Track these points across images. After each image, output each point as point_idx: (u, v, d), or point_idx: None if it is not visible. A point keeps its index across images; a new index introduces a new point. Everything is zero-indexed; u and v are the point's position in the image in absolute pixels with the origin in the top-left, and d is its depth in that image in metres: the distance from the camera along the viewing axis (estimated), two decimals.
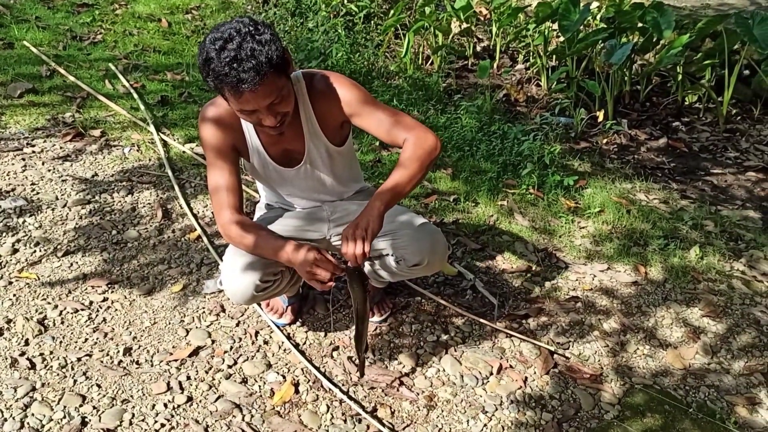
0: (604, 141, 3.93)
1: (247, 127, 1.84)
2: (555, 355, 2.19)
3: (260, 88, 1.56)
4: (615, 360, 2.20)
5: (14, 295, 2.24)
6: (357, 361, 1.99)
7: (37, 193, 2.78)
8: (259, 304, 2.30)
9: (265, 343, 2.16)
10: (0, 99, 3.45)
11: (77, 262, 2.43)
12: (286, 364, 2.08)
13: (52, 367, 1.98)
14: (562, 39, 4.56)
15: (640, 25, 4.22)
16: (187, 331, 2.18)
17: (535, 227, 2.91)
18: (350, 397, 1.97)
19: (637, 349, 2.26)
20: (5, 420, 1.79)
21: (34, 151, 3.06)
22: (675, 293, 2.56)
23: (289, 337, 2.19)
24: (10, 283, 2.29)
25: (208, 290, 2.37)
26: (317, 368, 2.07)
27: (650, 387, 2.09)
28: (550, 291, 2.52)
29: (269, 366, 2.07)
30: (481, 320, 2.31)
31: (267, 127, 1.68)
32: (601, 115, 3.95)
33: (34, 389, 1.90)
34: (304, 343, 2.18)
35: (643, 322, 2.39)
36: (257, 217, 2.13)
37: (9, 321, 2.12)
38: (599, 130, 3.99)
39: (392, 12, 4.83)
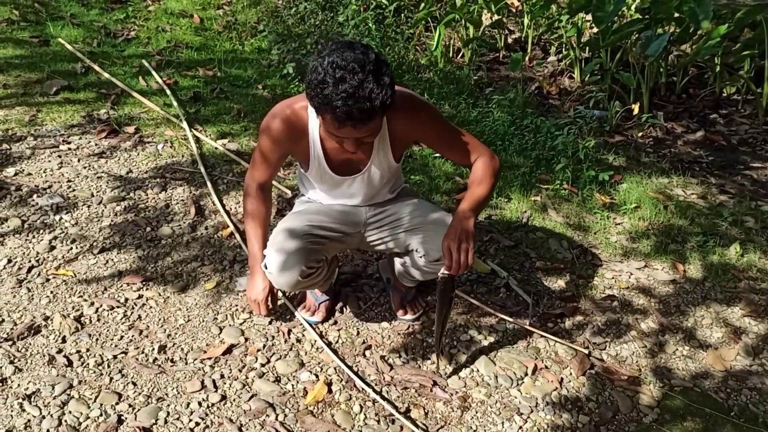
0: (640, 134, 3.85)
1: (313, 138, 1.87)
2: (591, 356, 2.15)
3: (364, 128, 1.61)
4: (653, 361, 2.16)
5: (51, 292, 2.27)
6: (437, 363, 2.09)
7: (73, 190, 2.81)
8: (292, 301, 2.30)
9: (298, 341, 2.16)
10: (36, 96, 3.49)
11: (113, 259, 2.45)
12: (319, 363, 2.07)
13: (88, 364, 2.00)
14: (595, 30, 4.47)
15: (676, 15, 4.12)
16: (221, 329, 2.19)
17: (569, 224, 2.87)
18: (383, 397, 1.96)
19: (676, 350, 2.22)
20: (43, 417, 1.81)
21: (69, 148, 3.10)
22: (715, 292, 2.50)
23: (321, 336, 2.18)
24: (48, 280, 2.32)
25: (241, 287, 2.38)
26: (350, 368, 2.06)
27: (690, 389, 2.05)
28: (585, 289, 2.48)
29: (302, 365, 2.07)
30: (516, 321, 2.28)
31: (345, 148, 1.75)
32: (636, 107, 3.87)
33: (71, 387, 1.92)
34: (337, 342, 2.18)
35: (682, 322, 2.34)
36: (297, 209, 2.15)
37: (47, 318, 2.15)
38: (634, 123, 3.91)
39: (422, 5, 4.79)
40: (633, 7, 4.55)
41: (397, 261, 2.20)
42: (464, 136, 1.93)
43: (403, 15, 4.99)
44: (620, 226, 2.89)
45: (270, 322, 2.22)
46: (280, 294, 2.23)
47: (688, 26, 4.07)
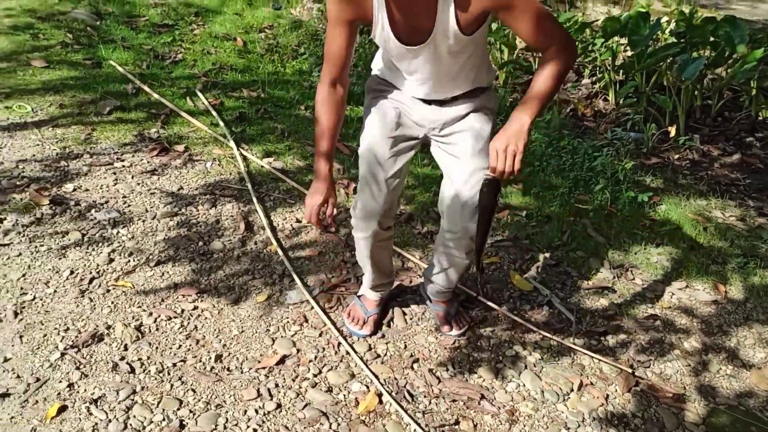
0: (676, 156, 3.89)
1: (378, 2, 1.78)
2: (635, 374, 2.19)
3: None
4: (697, 379, 2.19)
5: (112, 302, 2.37)
6: (476, 273, 2.04)
7: (129, 206, 2.93)
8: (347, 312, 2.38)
9: (348, 353, 2.23)
10: (91, 116, 3.64)
11: (168, 272, 2.55)
12: (368, 376, 2.14)
13: (150, 371, 2.09)
14: (629, 53, 4.53)
15: (712, 39, 4.17)
16: (273, 340, 2.26)
17: (609, 243, 2.92)
18: (422, 413, 2.02)
19: (720, 368, 2.25)
20: (110, 421, 1.90)
21: (123, 165, 3.22)
22: (756, 313, 2.53)
23: (370, 348, 2.25)
24: (108, 291, 2.42)
25: (291, 301, 2.46)
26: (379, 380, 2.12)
27: (735, 408, 2.08)
28: (627, 308, 2.52)
29: (353, 376, 2.14)
30: (559, 338, 2.33)
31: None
32: (673, 130, 3.92)
33: (134, 392, 2.01)
34: (385, 355, 2.25)
35: (725, 342, 2.37)
36: (375, 73, 2.08)
37: (109, 327, 2.25)
38: (671, 145, 3.95)
39: None
40: (668, 31, 4.61)
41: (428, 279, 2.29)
42: (546, 17, 1.69)
43: None
44: (660, 246, 2.93)
45: (319, 293, 2.30)
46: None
47: (724, 50, 4.12)
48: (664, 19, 4.66)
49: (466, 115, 1.98)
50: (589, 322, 2.44)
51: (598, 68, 4.81)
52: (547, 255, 2.83)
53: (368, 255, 2.20)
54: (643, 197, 3.18)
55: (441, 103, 1.97)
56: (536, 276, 2.69)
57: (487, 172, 1.73)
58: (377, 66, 2.07)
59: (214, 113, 3.76)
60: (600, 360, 2.24)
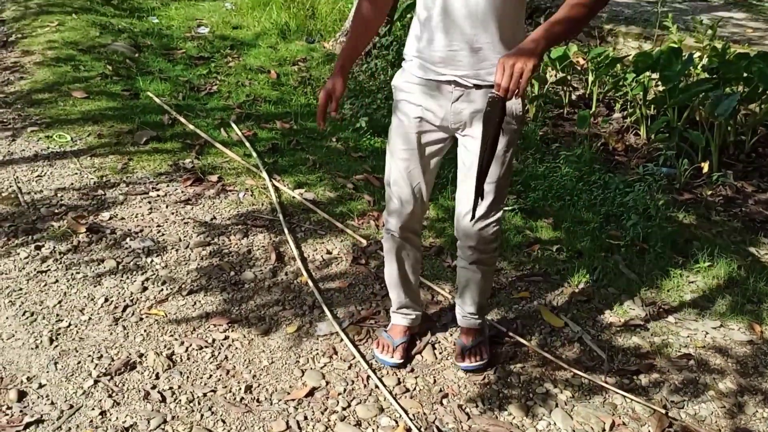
0: (709, 193, 3.85)
1: None
2: (669, 415, 2.15)
3: None
4: (733, 422, 2.14)
5: (145, 330, 2.40)
6: (473, 204, 1.89)
7: (163, 235, 2.98)
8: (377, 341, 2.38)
9: (377, 387, 2.22)
10: (128, 146, 3.73)
11: (200, 301, 2.59)
12: (396, 410, 2.13)
13: (180, 401, 2.11)
14: (661, 88, 4.52)
15: (745, 75, 4.15)
16: (303, 372, 2.27)
17: (642, 280, 2.88)
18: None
19: (756, 411, 2.20)
20: None
21: (158, 195, 3.29)
22: None
23: (399, 382, 2.25)
24: (141, 319, 2.46)
25: (321, 332, 2.47)
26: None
27: None
28: (660, 347, 2.48)
29: (381, 410, 2.13)
30: (591, 376, 2.30)
31: None
32: (705, 166, 3.88)
33: (165, 422, 2.02)
34: (414, 389, 2.24)
35: (761, 384, 2.32)
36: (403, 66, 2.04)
37: (141, 355, 2.28)
38: (703, 181, 3.91)
39: None
40: (700, 66, 4.59)
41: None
42: None
43: None
44: (694, 284, 2.89)
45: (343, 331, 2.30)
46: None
47: (757, 86, 4.09)
48: (697, 54, 4.65)
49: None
50: (621, 360, 2.41)
51: (629, 103, 4.81)
52: (578, 291, 2.80)
53: (395, 260, 2.24)
54: (676, 234, 3.14)
55: (463, 89, 1.90)
56: (567, 312, 2.66)
57: (493, 90, 1.63)
58: (408, 49, 2.00)
59: (247, 144, 3.83)
60: (632, 400, 2.21)
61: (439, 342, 2.45)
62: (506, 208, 3.36)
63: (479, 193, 1.80)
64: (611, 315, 2.66)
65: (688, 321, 2.65)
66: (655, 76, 4.55)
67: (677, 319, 2.66)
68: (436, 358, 2.37)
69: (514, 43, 1.71)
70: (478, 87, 1.88)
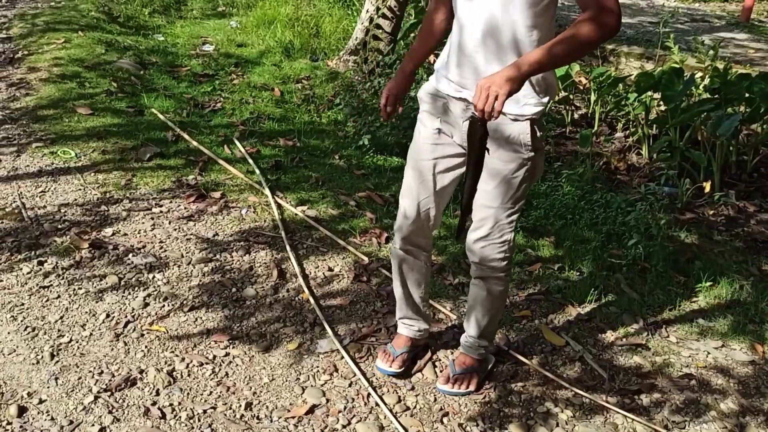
0: (711, 212, 3.85)
1: None
2: None
3: None
4: None
5: (146, 346, 2.40)
6: (461, 219, 1.97)
7: (165, 251, 2.99)
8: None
9: (377, 405, 2.22)
10: (131, 162, 3.75)
11: (201, 318, 2.59)
12: (397, 429, 2.12)
13: (180, 417, 2.10)
14: (663, 108, 4.55)
15: (747, 95, 4.17)
16: (303, 389, 2.27)
17: (643, 299, 2.88)
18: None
19: None
20: None
21: (161, 211, 3.30)
22: None
23: (399, 400, 2.24)
24: (142, 335, 2.46)
25: (322, 350, 2.47)
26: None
27: None
28: (662, 367, 2.48)
29: (382, 428, 2.12)
30: (592, 396, 2.30)
31: None
32: (707, 186, 3.89)
33: None
34: (415, 407, 2.23)
35: (763, 405, 2.31)
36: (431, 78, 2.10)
37: (142, 371, 2.28)
38: (705, 201, 3.92)
39: None
40: (702, 87, 4.61)
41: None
42: None
43: None
44: (695, 304, 2.89)
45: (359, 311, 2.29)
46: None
47: (759, 106, 4.11)
48: (698, 74, 4.68)
49: (503, 140, 1.90)
50: (623, 379, 2.40)
51: (631, 122, 4.83)
52: (580, 310, 2.80)
53: (397, 272, 2.28)
54: (677, 253, 3.14)
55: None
56: (568, 331, 2.66)
57: (473, 111, 1.70)
58: (438, 61, 2.06)
59: (250, 161, 3.84)
60: (634, 419, 2.20)
61: (440, 360, 2.45)
62: None
63: (465, 210, 1.89)
64: (613, 334, 2.66)
65: (690, 341, 2.65)
66: (657, 95, 4.58)
67: (679, 338, 2.66)
68: (437, 377, 2.37)
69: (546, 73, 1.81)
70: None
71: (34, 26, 5.94)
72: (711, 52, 4.89)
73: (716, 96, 4.25)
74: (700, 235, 3.51)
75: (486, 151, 1.77)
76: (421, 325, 2.39)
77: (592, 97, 5.01)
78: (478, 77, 1.84)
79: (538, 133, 1.91)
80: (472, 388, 2.29)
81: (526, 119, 1.87)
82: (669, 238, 3.36)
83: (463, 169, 2.00)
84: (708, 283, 2.99)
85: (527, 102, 1.87)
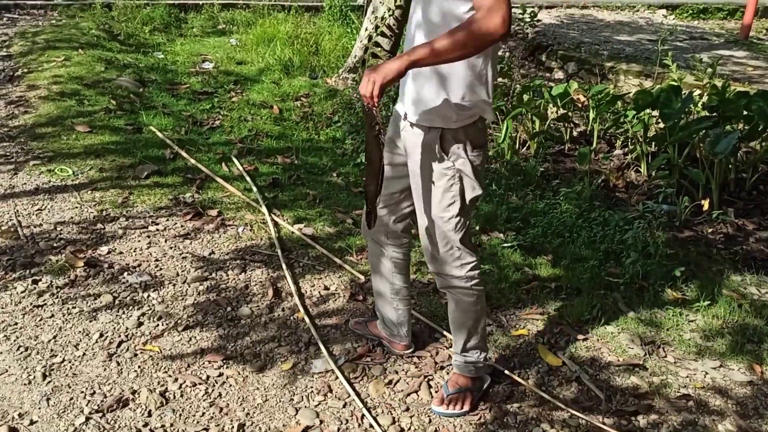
0: (710, 230, 3.84)
1: None
2: None
3: None
4: None
5: (139, 367, 2.39)
6: (366, 207, 2.06)
7: (160, 269, 2.98)
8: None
9: (371, 426, 2.20)
10: (129, 180, 3.75)
11: (195, 337, 2.57)
12: None
13: None
14: (661, 125, 4.54)
15: (745, 113, 4.17)
16: (297, 410, 2.25)
17: (641, 319, 2.86)
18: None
19: None
20: None
21: (158, 229, 3.30)
22: None
23: (394, 421, 2.22)
24: (136, 355, 2.45)
25: (316, 370, 2.45)
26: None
27: None
28: (659, 387, 2.45)
29: None
30: (588, 418, 2.27)
31: None
32: (706, 204, 3.87)
33: None
34: (409, 428, 2.21)
35: (762, 426, 2.29)
36: None
37: (134, 392, 2.26)
38: (704, 218, 3.90)
39: None
40: (700, 104, 4.61)
41: None
42: None
43: None
44: (693, 323, 2.87)
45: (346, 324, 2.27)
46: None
47: (758, 124, 4.10)
48: (697, 92, 4.68)
49: (420, 147, 2.02)
50: (620, 400, 2.38)
51: (630, 139, 4.83)
52: (577, 329, 2.78)
53: (371, 262, 2.44)
54: (676, 272, 3.12)
55: (406, 122, 2.05)
56: (565, 350, 2.64)
57: (365, 104, 1.84)
58: None
59: (247, 179, 3.84)
60: None
61: (435, 381, 2.43)
62: (505, 245, 3.36)
63: (368, 198, 2.01)
64: (610, 354, 2.64)
65: (688, 361, 2.62)
66: (655, 113, 4.58)
67: (676, 358, 2.64)
68: (432, 397, 2.35)
69: (464, 92, 1.92)
70: (412, 125, 2.04)
71: (35, 44, 5.97)
72: (709, 69, 4.90)
73: (714, 114, 4.25)
74: (698, 253, 3.50)
75: (379, 137, 1.89)
76: (397, 333, 2.50)
77: (591, 115, 5.01)
78: (404, 87, 2.03)
79: (457, 145, 1.99)
80: (466, 408, 2.27)
81: (439, 129, 1.98)
82: (667, 257, 3.34)
83: (402, 176, 2.17)
84: (706, 302, 2.97)
85: (445, 114, 1.95)
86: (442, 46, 1.74)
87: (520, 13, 6.35)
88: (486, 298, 2.90)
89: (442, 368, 2.49)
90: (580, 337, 2.73)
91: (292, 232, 3.38)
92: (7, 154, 3.94)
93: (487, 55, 1.91)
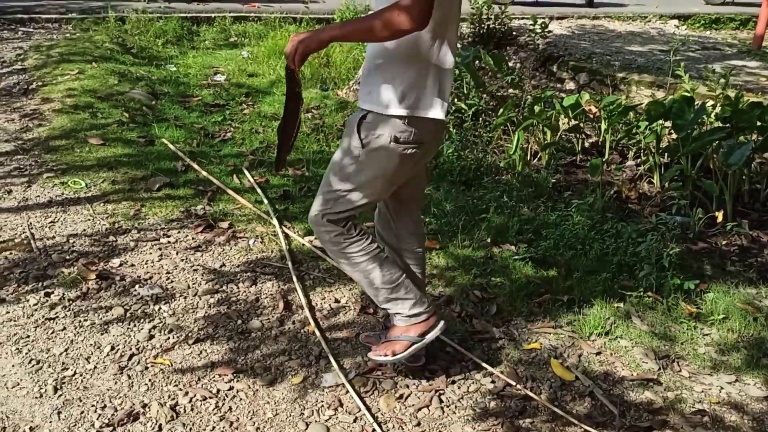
0: (724, 242, 3.80)
1: None
2: None
3: None
4: None
5: (149, 380, 2.38)
6: (277, 154, 2.25)
7: (171, 282, 2.98)
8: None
9: None
10: (141, 192, 3.77)
11: (206, 350, 2.57)
12: None
13: None
14: (674, 136, 4.51)
15: (759, 124, 4.13)
16: (307, 425, 2.23)
17: (654, 333, 2.83)
18: None
19: None
20: None
21: (169, 242, 3.30)
22: None
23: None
24: (146, 368, 2.44)
25: (327, 384, 2.44)
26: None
27: None
28: (674, 402, 2.42)
29: None
30: None
31: None
32: (720, 215, 3.84)
33: None
34: None
35: None
36: None
37: (144, 405, 2.26)
38: (718, 230, 3.87)
39: (501, 110, 4.96)
40: (713, 115, 4.58)
41: None
42: None
43: (481, 119, 5.18)
44: (708, 337, 2.83)
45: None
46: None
47: None
48: (710, 103, 4.65)
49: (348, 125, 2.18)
50: (634, 415, 2.35)
51: (642, 150, 4.80)
52: (590, 343, 2.76)
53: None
54: (690, 284, 3.09)
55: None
56: (578, 365, 2.61)
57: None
58: None
59: (258, 191, 3.85)
60: None
61: (447, 395, 2.41)
62: (517, 257, 3.34)
63: (279, 147, 2.22)
64: (623, 368, 2.61)
65: (702, 375, 2.59)
66: (668, 124, 4.55)
67: (691, 373, 2.60)
68: (443, 412, 2.33)
69: (395, 80, 2.02)
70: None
71: (49, 57, 6.03)
72: (722, 80, 4.87)
73: (728, 124, 4.22)
74: (712, 265, 3.46)
75: (299, 95, 2.11)
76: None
77: (603, 126, 4.99)
78: (363, 77, 2.15)
79: (378, 133, 2.06)
80: (387, 355, 2.34)
81: (363, 112, 2.10)
82: (681, 269, 3.31)
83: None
84: (721, 316, 2.93)
85: (373, 101, 2.07)
86: (359, 27, 1.94)
87: (530, 24, 6.35)
88: (497, 311, 2.91)
89: (453, 382, 2.47)
90: (593, 351, 2.70)
91: (303, 245, 3.38)
92: (22, 166, 3.97)
93: (433, 60, 2.03)
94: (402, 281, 2.29)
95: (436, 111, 2.08)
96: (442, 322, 2.37)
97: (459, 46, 6.18)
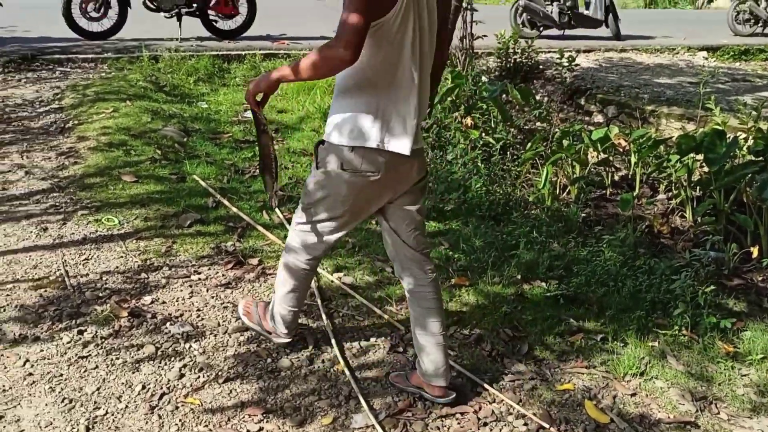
0: (760, 278, 3.72)
1: None
2: None
3: None
4: None
5: (180, 420, 2.39)
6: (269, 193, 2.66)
7: (202, 319, 3.00)
8: None
9: None
10: (172, 229, 3.82)
11: (236, 389, 2.57)
12: None
13: None
14: (706, 169, 4.46)
15: None
16: None
17: (691, 373, 2.77)
18: None
19: None
20: None
21: (199, 278, 3.33)
22: None
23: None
24: (177, 408, 2.45)
25: (357, 425, 2.42)
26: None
27: None
28: None
29: None
30: None
31: None
32: (755, 251, 3.77)
33: None
34: None
35: None
36: None
37: None
38: (753, 266, 3.79)
39: (529, 144, 4.95)
40: (745, 148, 4.53)
41: None
42: (343, 18, 1.94)
43: (509, 153, 5.17)
44: (746, 377, 2.76)
45: None
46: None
47: None
48: (742, 136, 4.60)
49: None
50: None
51: (673, 184, 4.75)
52: (624, 383, 2.70)
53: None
54: (726, 323, 3.03)
55: None
56: (613, 407, 2.56)
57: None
58: None
59: (288, 227, 3.87)
60: None
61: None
62: (548, 294, 3.30)
63: (265, 183, 2.66)
64: (659, 410, 2.55)
65: (742, 418, 2.52)
66: (699, 157, 4.50)
67: (730, 415, 2.53)
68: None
69: (345, 110, 2.16)
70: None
71: (85, 96, 6.18)
72: (753, 112, 4.82)
73: (761, 158, 4.17)
74: (749, 302, 3.39)
75: (268, 134, 2.47)
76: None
77: (633, 159, 4.96)
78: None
79: (328, 159, 2.22)
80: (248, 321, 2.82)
81: (320, 140, 2.27)
82: (716, 306, 3.25)
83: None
84: (759, 355, 2.86)
85: (327, 129, 2.23)
86: (302, 65, 2.06)
87: (557, 58, 6.36)
88: (529, 350, 2.87)
89: (485, 424, 2.43)
90: (628, 392, 2.65)
91: (332, 281, 3.38)
92: (57, 204, 4.05)
93: (383, 93, 2.13)
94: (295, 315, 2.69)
95: (387, 143, 2.15)
96: None
97: (485, 79, 6.21)
